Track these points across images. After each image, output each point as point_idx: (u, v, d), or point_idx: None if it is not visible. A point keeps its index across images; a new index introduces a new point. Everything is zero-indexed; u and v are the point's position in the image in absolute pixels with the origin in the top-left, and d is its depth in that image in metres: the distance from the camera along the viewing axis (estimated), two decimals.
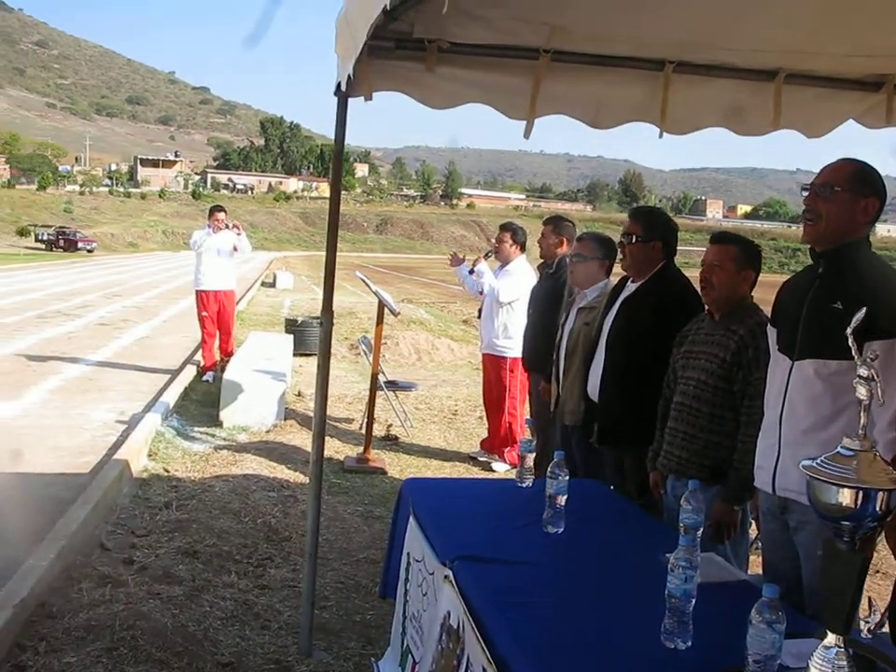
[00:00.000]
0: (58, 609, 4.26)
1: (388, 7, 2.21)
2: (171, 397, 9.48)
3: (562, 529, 3.16)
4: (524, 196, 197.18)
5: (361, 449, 7.57)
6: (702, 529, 2.61)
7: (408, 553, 3.44)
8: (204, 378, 11.07)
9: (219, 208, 11.33)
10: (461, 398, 10.64)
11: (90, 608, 4.26)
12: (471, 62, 3.88)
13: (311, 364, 12.40)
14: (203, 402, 9.73)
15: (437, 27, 3.59)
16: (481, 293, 7.83)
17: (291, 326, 13.99)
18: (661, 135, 4.26)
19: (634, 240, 4.19)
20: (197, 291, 11.27)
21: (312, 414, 8.91)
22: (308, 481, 6.67)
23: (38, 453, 7.40)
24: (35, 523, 5.63)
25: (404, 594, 3.45)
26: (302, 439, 8.11)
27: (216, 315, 11.19)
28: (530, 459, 3.70)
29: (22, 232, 76.80)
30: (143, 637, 3.91)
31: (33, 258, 55.43)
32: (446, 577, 2.78)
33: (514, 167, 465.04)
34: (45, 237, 73.51)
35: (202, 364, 11.46)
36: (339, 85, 3.56)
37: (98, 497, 5.75)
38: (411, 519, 3.44)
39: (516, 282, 7.26)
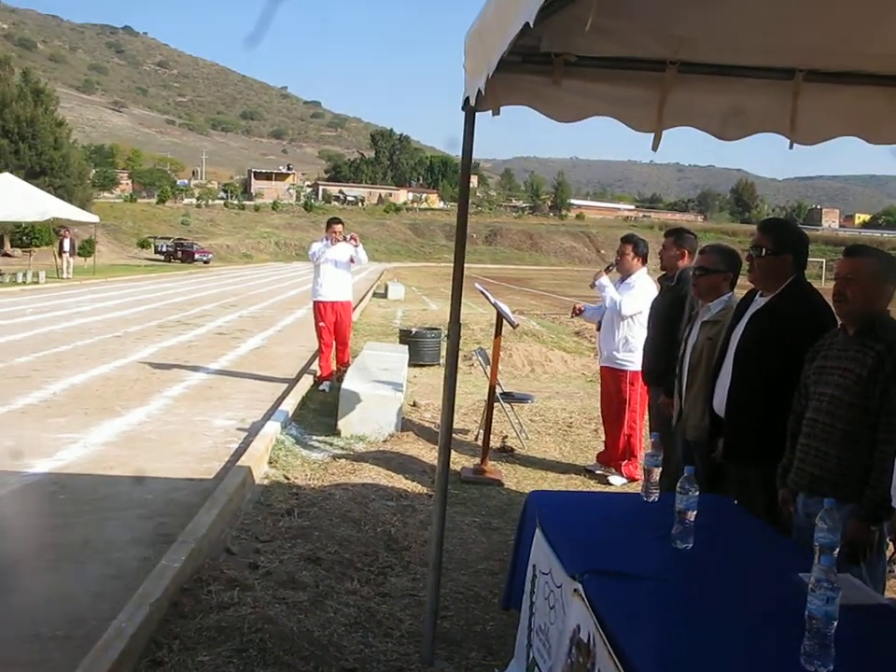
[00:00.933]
0: (189, 609, 4.40)
1: (531, 26, 2.23)
2: (289, 405, 9.66)
3: (691, 545, 3.12)
4: (633, 206, 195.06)
5: (478, 460, 7.60)
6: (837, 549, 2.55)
7: (534, 566, 3.44)
8: (321, 387, 11.25)
9: (337, 220, 11.50)
10: (576, 410, 10.58)
11: (219, 609, 4.38)
12: (598, 74, 3.88)
13: (425, 375, 12.52)
14: (320, 411, 9.89)
15: (564, 41, 3.61)
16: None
17: (406, 336, 14.12)
18: (791, 146, 4.18)
19: (763, 253, 4.10)
20: (315, 302, 11.46)
21: (428, 425, 9.08)
22: (426, 491, 6.77)
23: (164, 458, 7.65)
24: (163, 526, 5.83)
25: (530, 606, 3.45)
26: (419, 449, 8.19)
27: (333, 325, 11.37)
28: (656, 474, 3.66)
29: (143, 244, 79.26)
30: (270, 640, 4.00)
31: (153, 269, 57.21)
32: (576, 590, 2.78)
33: (624, 177, 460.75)
34: (164, 249, 75.73)
35: (318, 374, 11.64)
36: (467, 100, 3.60)
37: (223, 503, 5.90)
38: (537, 531, 3.44)
39: (638, 295, 7.19)
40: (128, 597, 4.35)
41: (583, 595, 2.70)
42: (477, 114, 3.78)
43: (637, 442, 7.46)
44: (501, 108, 3.78)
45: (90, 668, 3.60)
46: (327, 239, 11.18)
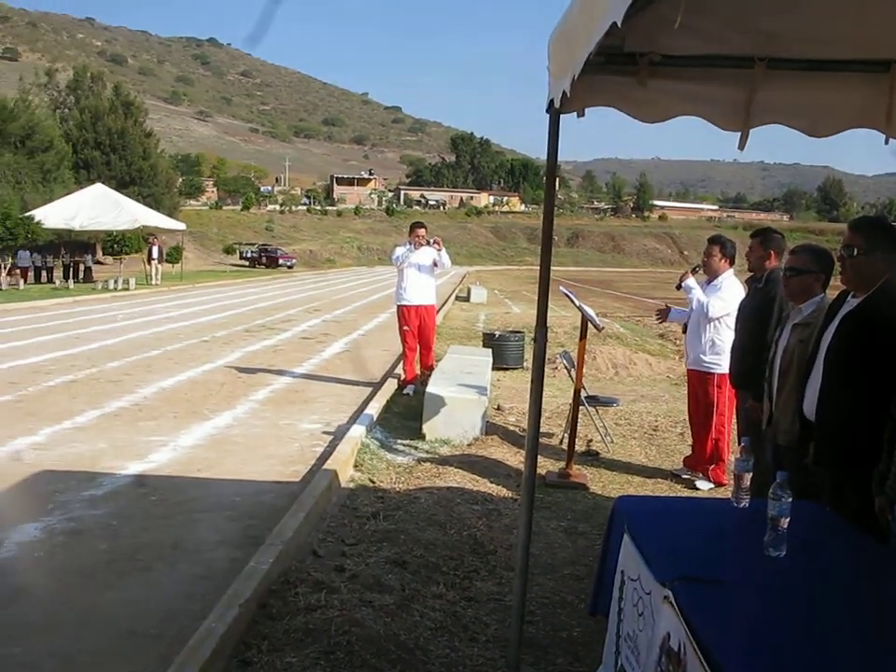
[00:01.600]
0: (277, 610, 4.45)
1: (619, 25, 2.21)
2: (374, 409, 9.72)
3: (784, 553, 3.05)
4: (716, 207, 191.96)
5: (562, 464, 7.54)
6: None
7: (622, 572, 3.40)
8: (405, 391, 11.29)
9: (420, 224, 11.54)
10: (661, 413, 10.45)
11: (306, 611, 4.42)
12: (683, 73, 3.82)
13: (508, 378, 12.49)
14: (404, 415, 9.93)
15: (648, 40, 3.56)
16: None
17: (489, 340, 14.11)
18: (886, 141, 4.06)
19: (854, 253, 3.98)
20: (398, 306, 11.52)
21: (512, 428, 9.05)
22: (511, 495, 6.75)
23: (252, 461, 7.76)
24: (251, 528, 5.92)
25: (618, 612, 3.41)
26: (503, 453, 8.17)
27: (417, 329, 11.41)
28: (747, 479, 3.58)
29: (228, 250, 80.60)
30: (357, 642, 4.03)
31: (238, 274, 58.16)
32: (665, 597, 2.73)
33: (707, 177, 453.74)
34: (249, 254, 76.95)
35: (403, 377, 11.69)
36: (551, 102, 3.57)
37: (310, 506, 5.96)
38: (625, 537, 3.40)
39: (725, 296, 7.07)
40: (217, 598, 4.43)
41: (674, 603, 2.66)
42: (563, 116, 3.75)
43: (725, 447, 7.33)
44: (586, 110, 3.76)
45: (182, 666, 3.67)
46: (410, 243, 11.22)
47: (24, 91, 54.15)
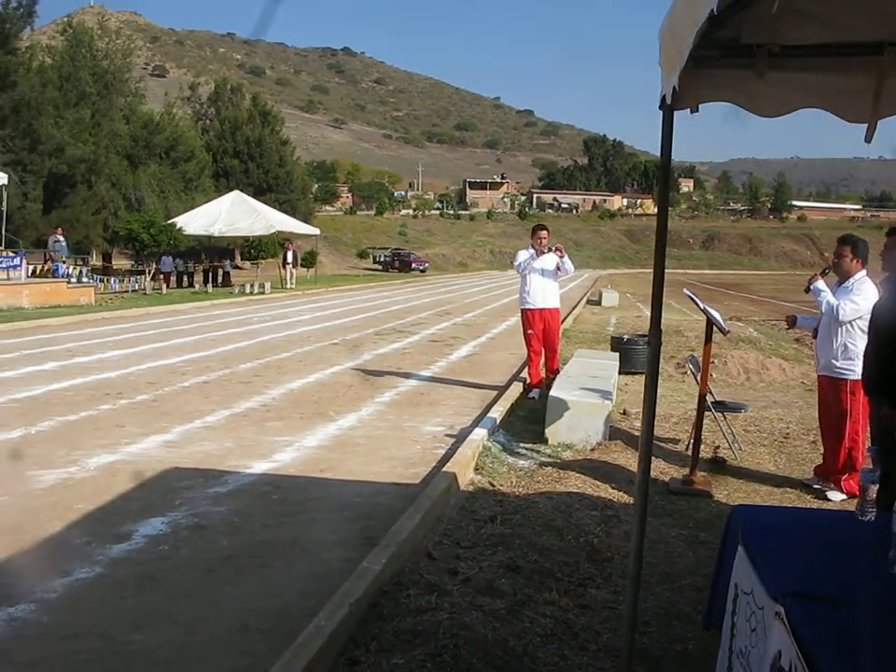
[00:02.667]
0: (388, 611, 4.46)
1: (715, 13, 2.11)
2: (498, 412, 9.68)
3: None
4: (860, 206, 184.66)
5: (687, 470, 7.35)
6: None
7: (735, 584, 3.27)
8: (530, 395, 11.22)
9: (542, 227, 11.48)
10: (793, 420, 10.08)
11: (416, 613, 4.42)
12: (805, 64, 3.63)
13: (636, 382, 12.27)
14: (528, 419, 9.86)
15: (766, 31, 3.40)
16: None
17: (617, 344, 13.92)
18: None
19: None
20: (522, 310, 11.46)
21: (637, 434, 8.85)
22: (633, 501, 6.59)
23: (373, 462, 7.83)
24: (369, 528, 5.95)
25: (731, 627, 3.28)
26: (627, 458, 8.01)
27: (541, 333, 11.32)
28: (873, 491, 3.39)
29: (362, 255, 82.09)
30: (465, 646, 3.99)
31: (371, 278, 59.12)
32: (777, 613, 2.60)
33: (849, 175, 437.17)
34: (382, 259, 78.27)
35: (528, 381, 11.62)
36: (663, 98, 3.46)
37: (427, 508, 5.96)
38: (739, 548, 3.27)
39: (858, 299, 6.75)
40: (331, 596, 4.46)
41: (785, 620, 2.53)
42: (692, 115, 3.64)
43: (860, 456, 7.00)
44: (700, 106, 3.62)
45: (289, 662, 3.71)
46: (532, 247, 11.17)
47: (169, 104, 56.29)
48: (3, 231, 29.69)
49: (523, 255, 11.31)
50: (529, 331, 11.33)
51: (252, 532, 5.86)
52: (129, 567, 5.23)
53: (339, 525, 6.05)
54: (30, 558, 5.38)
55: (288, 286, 40.44)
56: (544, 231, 11.23)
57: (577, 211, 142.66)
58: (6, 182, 29.00)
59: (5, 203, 29.48)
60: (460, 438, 8.58)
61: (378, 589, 4.67)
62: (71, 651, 4.17)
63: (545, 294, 11.24)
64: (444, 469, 7.10)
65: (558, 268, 11.16)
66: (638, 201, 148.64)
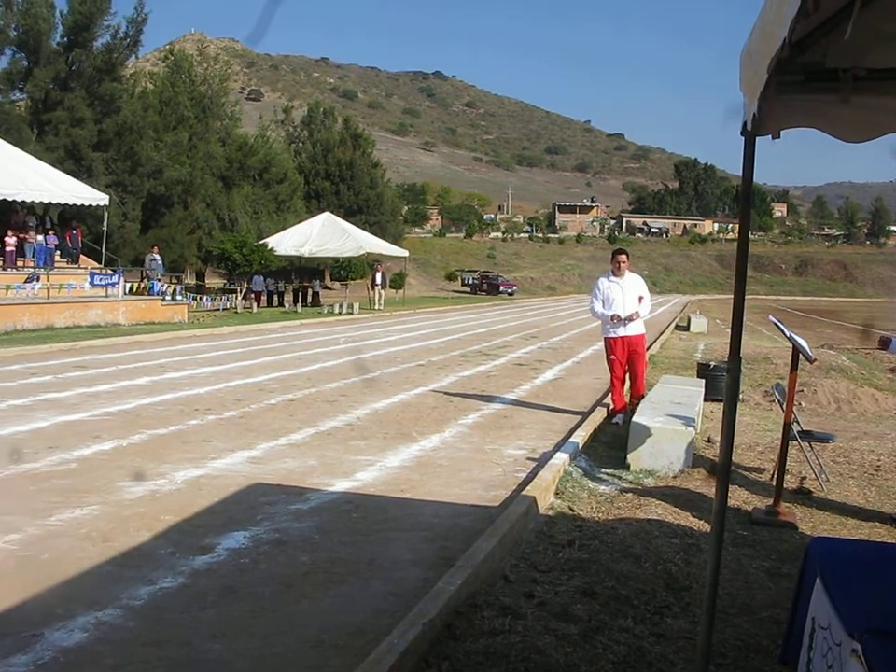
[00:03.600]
0: (461, 632, 4.48)
1: (789, 40, 2.10)
2: (580, 437, 9.62)
3: None
4: None
5: (771, 501, 7.21)
6: None
7: (812, 619, 3.21)
8: (614, 420, 11.14)
9: (620, 251, 11.46)
10: (885, 452, 9.79)
11: (489, 635, 4.43)
12: (892, 88, 3.58)
13: (722, 410, 12.06)
14: (611, 444, 9.79)
15: (852, 55, 3.36)
16: None
17: (703, 370, 13.71)
18: None
19: None
20: (605, 337, 11.38)
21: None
22: None
23: (454, 484, 7.85)
24: (446, 549, 5.98)
25: (807, 662, 3.22)
26: (710, 487, 7.88)
27: (625, 359, 11.23)
28: None
29: (450, 277, 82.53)
30: (536, 670, 3.99)
31: (459, 300, 59.32)
32: (854, 650, 2.55)
33: None
34: (470, 281, 78.57)
35: (611, 406, 11.54)
36: (745, 124, 3.44)
37: (505, 531, 5.96)
38: (817, 581, 3.21)
39: None
40: (405, 615, 4.50)
41: (862, 658, 2.48)
42: (784, 140, 3.61)
43: None
44: (783, 132, 3.59)
45: None
46: (612, 273, 11.13)
47: (264, 127, 57.57)
48: (103, 250, 30.65)
49: (603, 282, 11.24)
50: (612, 357, 11.27)
51: (331, 549, 5.94)
52: (210, 578, 5.35)
53: (416, 545, 6.08)
54: (118, 565, 5.53)
55: (377, 307, 40.83)
56: (623, 256, 11.18)
57: (667, 235, 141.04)
58: (107, 202, 29.96)
59: (106, 223, 30.46)
60: (542, 462, 8.55)
61: (453, 610, 4.69)
62: (154, 657, 4.29)
63: (627, 322, 11.12)
64: (524, 492, 7.09)
65: (640, 298, 11.07)
66: (730, 225, 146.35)
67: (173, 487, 7.47)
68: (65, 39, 38.67)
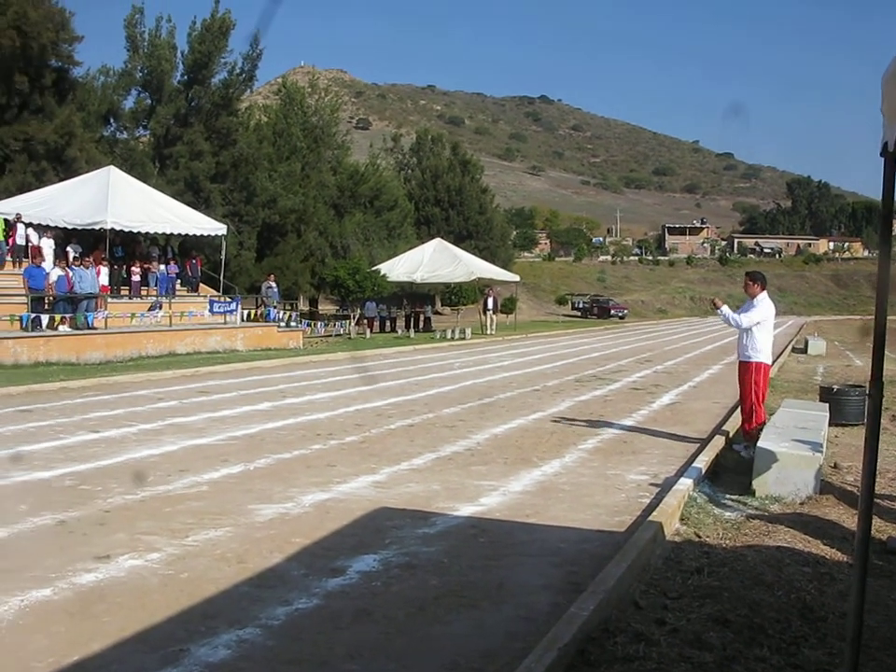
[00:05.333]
0: (595, 657, 4.50)
1: None
2: (702, 462, 9.49)
3: None
4: None
5: None
6: None
7: None
8: (737, 446, 10.93)
9: (746, 273, 11.26)
10: None
11: (624, 661, 4.44)
12: None
13: (847, 435, 11.81)
14: (734, 470, 9.66)
15: None
16: None
17: (826, 394, 13.38)
18: None
19: None
20: (741, 362, 11.01)
21: (850, 489, 8.56)
22: (846, 559, 6.37)
23: (577, 509, 7.85)
24: (574, 574, 5.99)
25: None
26: (839, 514, 7.72)
27: (752, 384, 10.93)
28: None
29: (561, 301, 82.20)
30: None
31: (569, 324, 59.16)
32: None
33: None
34: (580, 305, 78.19)
35: (738, 431, 11.35)
36: (885, 145, 3.41)
37: (633, 557, 5.94)
38: None
39: None
40: (538, 640, 4.54)
41: None
42: None
43: None
44: None
45: None
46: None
47: (373, 155, 58.68)
48: (221, 278, 31.59)
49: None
50: (748, 382, 10.83)
51: (460, 573, 6.01)
52: (344, 600, 5.47)
53: (544, 570, 6.11)
54: (254, 586, 5.71)
55: (489, 332, 40.98)
56: (746, 277, 10.97)
57: (780, 256, 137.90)
58: (224, 232, 30.90)
59: (223, 252, 31.41)
60: (665, 487, 8.48)
61: (586, 635, 4.70)
62: None
63: (752, 346, 10.79)
64: (650, 518, 7.05)
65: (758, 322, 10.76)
66: (846, 244, 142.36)
67: (301, 510, 7.66)
68: (185, 77, 40.40)
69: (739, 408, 11.51)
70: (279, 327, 30.49)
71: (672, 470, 9.52)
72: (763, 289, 10.68)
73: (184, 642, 4.78)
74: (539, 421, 13.15)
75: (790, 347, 32.50)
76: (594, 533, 7.10)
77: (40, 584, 5.66)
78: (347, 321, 38.30)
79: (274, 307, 32.46)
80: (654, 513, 7.19)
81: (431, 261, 41.10)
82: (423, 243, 46.94)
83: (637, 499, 8.26)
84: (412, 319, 42.71)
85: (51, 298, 23.45)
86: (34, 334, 21.77)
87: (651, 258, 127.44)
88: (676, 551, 6.57)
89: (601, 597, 5.12)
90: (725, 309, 10.72)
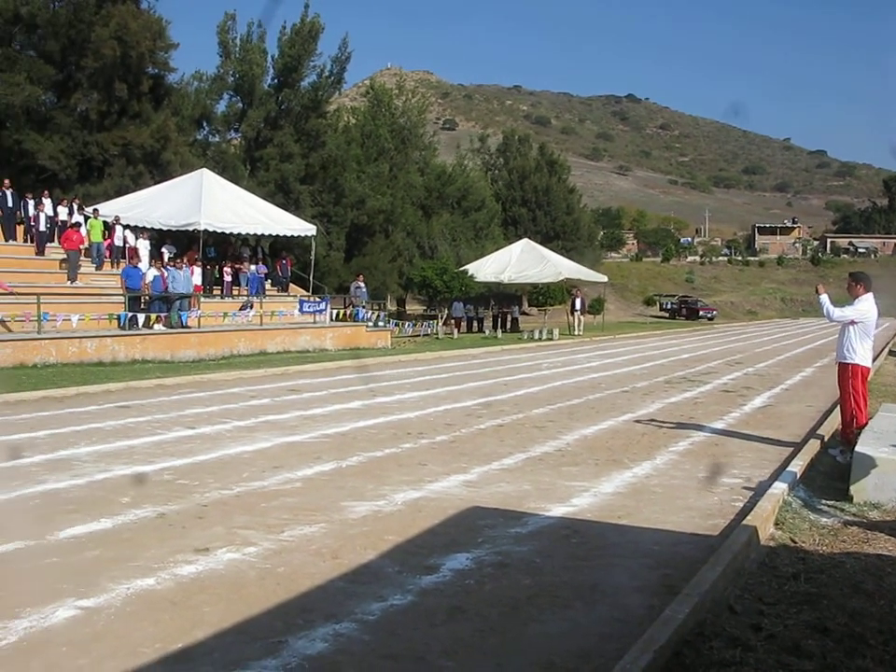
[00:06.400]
0: (690, 661, 4.48)
1: None
2: (797, 466, 9.33)
3: None
4: None
5: None
6: None
7: None
8: (832, 450, 10.71)
9: (851, 275, 10.97)
10: None
11: (720, 666, 4.41)
12: None
13: None
14: (829, 474, 9.46)
15: None
16: None
17: None
18: None
19: None
20: (841, 363, 10.75)
21: None
22: None
23: (670, 512, 7.79)
24: (668, 577, 5.95)
25: None
26: None
27: (849, 387, 10.69)
28: None
29: (648, 302, 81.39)
30: None
31: (658, 325, 58.50)
32: None
33: None
34: (668, 306, 77.26)
35: (834, 435, 11.13)
36: None
37: (728, 561, 5.87)
38: None
39: None
40: (632, 642, 4.54)
41: None
42: None
43: None
44: None
45: None
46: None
47: (461, 156, 58.91)
48: (310, 278, 32.05)
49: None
50: (848, 386, 10.59)
51: (553, 573, 6.02)
52: (438, 597, 5.53)
53: (638, 572, 6.08)
54: (349, 581, 5.81)
55: (576, 332, 40.81)
56: (849, 278, 10.71)
57: (875, 255, 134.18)
58: (314, 233, 31.33)
59: (313, 252, 31.86)
60: (759, 491, 8.36)
61: (681, 638, 4.68)
62: (391, 671, 4.49)
63: (853, 348, 10.54)
64: (744, 522, 6.96)
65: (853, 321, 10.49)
66: None
67: (393, 508, 7.75)
68: (275, 81, 41.21)
69: (839, 410, 11.26)
70: (367, 326, 30.80)
71: (765, 474, 9.37)
72: (867, 291, 10.44)
73: (282, 634, 4.89)
74: (628, 422, 13.07)
75: (887, 350, 31.64)
76: (687, 536, 7.04)
77: (144, 574, 5.86)
78: (435, 321, 38.50)
79: (363, 307, 32.78)
80: (749, 517, 7.11)
81: (519, 262, 41.08)
82: (510, 243, 46.95)
83: (730, 503, 8.17)
84: (499, 320, 42.69)
85: (147, 297, 24.08)
86: (130, 333, 22.39)
87: (740, 258, 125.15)
88: (771, 556, 6.49)
89: (696, 600, 5.08)
90: (825, 297, 10.56)
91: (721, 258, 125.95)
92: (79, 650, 4.67)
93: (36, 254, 26.81)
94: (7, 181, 27.21)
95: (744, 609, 5.31)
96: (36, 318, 20.67)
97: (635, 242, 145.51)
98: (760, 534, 6.82)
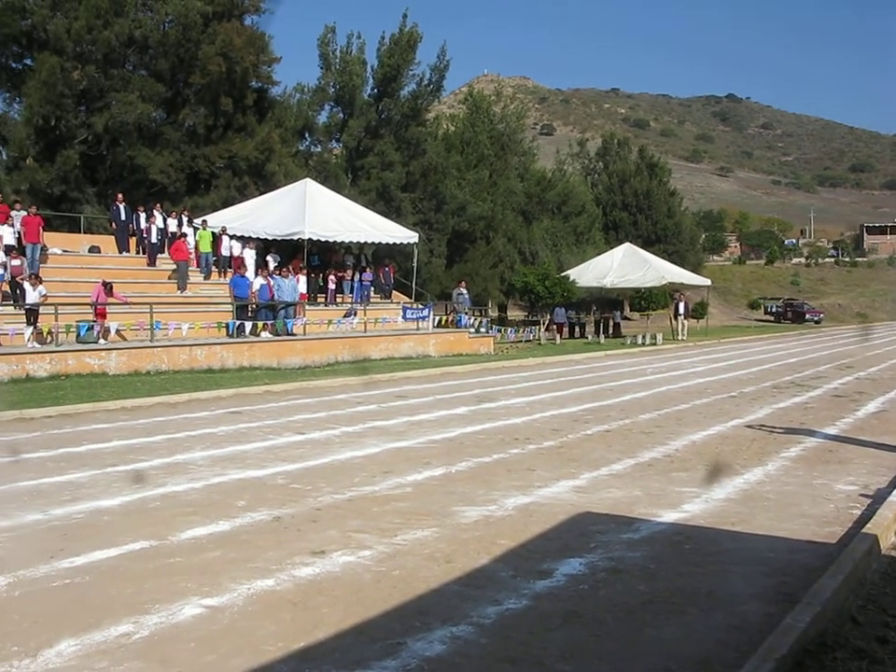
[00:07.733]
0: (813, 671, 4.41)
1: None
2: None
3: None
4: None
5: None
6: None
7: None
8: None
9: None
10: None
11: None
12: None
13: None
14: None
15: None
16: None
17: None
18: None
19: None
20: None
21: None
22: None
23: (784, 519, 7.66)
24: (785, 585, 5.86)
25: None
26: None
27: None
28: None
29: (753, 305, 79.76)
30: None
31: (763, 329, 57.29)
32: None
33: None
34: (773, 309, 75.64)
35: None
36: None
37: (848, 570, 5.76)
38: None
39: None
40: (751, 650, 4.51)
41: None
42: None
43: None
44: None
45: None
46: None
47: (560, 161, 58.65)
48: (413, 285, 32.32)
49: None
50: None
51: (667, 579, 5.99)
52: (553, 602, 5.56)
53: (753, 579, 6.01)
54: (463, 585, 5.87)
55: (679, 337, 40.27)
56: None
57: None
58: (416, 240, 31.59)
59: (416, 259, 32.12)
60: (878, 499, 8.16)
61: (802, 648, 4.61)
62: None
63: None
64: (864, 530, 6.82)
65: None
66: None
67: (504, 513, 7.81)
68: (375, 91, 41.73)
69: None
70: (470, 333, 30.90)
71: (884, 482, 9.13)
72: None
73: (400, 636, 4.98)
74: (737, 428, 12.87)
75: None
76: (803, 543, 6.92)
77: (264, 575, 6.03)
78: (537, 327, 38.45)
79: (466, 313, 32.88)
80: (868, 525, 6.96)
81: (621, 266, 40.78)
82: (611, 248, 46.63)
83: (847, 510, 7.99)
84: (601, 325, 42.38)
85: (254, 306, 24.63)
86: (238, 340, 22.95)
87: (848, 259, 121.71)
88: (893, 566, 6.34)
89: (817, 609, 5.00)
90: None
91: (827, 259, 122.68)
92: (206, 646, 4.84)
93: (148, 265, 27.65)
94: (120, 195, 28.18)
95: (868, 620, 5.21)
96: (149, 327, 21.34)
97: (737, 244, 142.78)
98: (881, 543, 6.67)
